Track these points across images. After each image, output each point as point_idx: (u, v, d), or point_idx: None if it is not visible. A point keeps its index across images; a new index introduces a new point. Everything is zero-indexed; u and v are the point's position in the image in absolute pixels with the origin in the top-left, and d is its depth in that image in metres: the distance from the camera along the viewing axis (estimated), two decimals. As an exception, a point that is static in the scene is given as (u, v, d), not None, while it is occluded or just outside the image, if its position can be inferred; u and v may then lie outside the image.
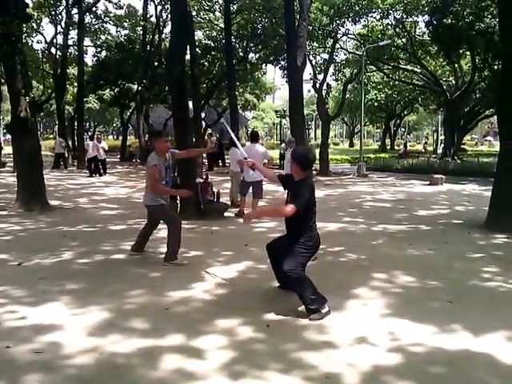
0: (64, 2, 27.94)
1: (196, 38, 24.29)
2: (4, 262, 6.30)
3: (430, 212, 10.78)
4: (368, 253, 6.83)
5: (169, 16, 28.10)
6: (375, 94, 41.17)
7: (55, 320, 4.31)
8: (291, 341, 3.90)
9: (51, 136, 54.70)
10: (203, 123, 29.13)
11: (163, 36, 29.50)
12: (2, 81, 25.03)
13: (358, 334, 4.03)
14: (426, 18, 23.20)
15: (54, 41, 29.83)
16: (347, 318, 4.39)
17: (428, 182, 17.02)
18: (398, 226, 9.05)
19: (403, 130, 75.21)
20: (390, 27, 27.08)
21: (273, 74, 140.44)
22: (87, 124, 52.38)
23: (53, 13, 28.76)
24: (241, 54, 27.21)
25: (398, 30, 26.83)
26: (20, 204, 10.57)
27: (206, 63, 27.66)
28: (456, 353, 3.72)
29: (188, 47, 16.62)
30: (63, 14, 28.57)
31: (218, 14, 28.63)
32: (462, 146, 37.50)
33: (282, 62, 25.64)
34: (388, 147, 51.12)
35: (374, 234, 8.24)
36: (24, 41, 21.57)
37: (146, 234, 6.65)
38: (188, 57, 17.90)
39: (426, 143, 37.70)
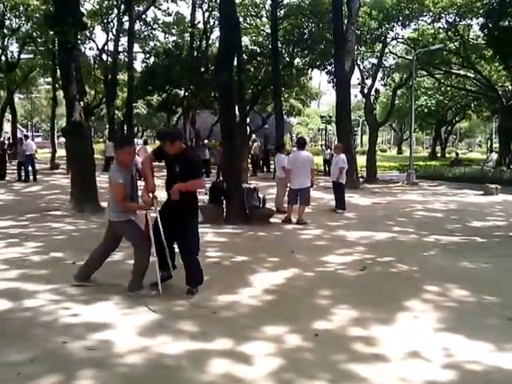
0: (115, 11, 28.77)
1: (242, 43, 24.43)
2: (59, 260, 6.54)
3: (485, 223, 10.39)
4: (419, 264, 6.63)
5: (215, 22, 28.50)
6: (425, 100, 40.32)
7: (106, 319, 4.41)
8: (340, 352, 3.82)
9: (101, 140, 56.23)
10: (248, 128, 29.25)
11: (210, 42, 29.88)
12: (57, 86, 26.06)
13: (409, 347, 3.90)
14: (481, 20, 22.29)
15: (106, 47, 30.72)
16: (398, 331, 4.26)
17: (482, 192, 16.40)
18: (450, 237, 8.74)
19: (454, 137, 73.39)
20: (441, 31, 26.35)
21: (318, 79, 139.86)
22: (135, 128, 53.54)
23: (105, 21, 29.63)
24: (287, 59, 27.19)
25: (450, 33, 26.02)
26: (73, 205, 10.88)
27: (251, 69, 27.78)
28: (516, 374, 3.53)
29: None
30: (114, 21, 29.43)
31: (264, 19, 28.76)
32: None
33: (329, 67, 25.47)
34: (438, 155, 49.95)
35: (426, 245, 8.01)
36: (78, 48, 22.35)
37: (103, 257, 5.47)
38: (235, 63, 18.02)
39: (457, 154, 36.27)
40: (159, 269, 5.12)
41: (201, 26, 30.21)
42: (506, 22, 19.19)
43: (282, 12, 25.47)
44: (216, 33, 30.51)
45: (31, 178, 18.26)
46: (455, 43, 26.75)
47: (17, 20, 27.75)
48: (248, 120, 28.85)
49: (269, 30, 25.47)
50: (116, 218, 5.17)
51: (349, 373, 3.49)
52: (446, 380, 3.41)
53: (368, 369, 3.55)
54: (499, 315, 4.66)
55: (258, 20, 29.23)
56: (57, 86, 26.21)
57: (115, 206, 5.12)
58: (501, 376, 3.48)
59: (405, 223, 10.27)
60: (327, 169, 24.13)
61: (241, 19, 25.35)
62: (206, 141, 25.09)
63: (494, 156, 29.25)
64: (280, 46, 24.96)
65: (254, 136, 30.87)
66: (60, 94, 24.96)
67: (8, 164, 20.95)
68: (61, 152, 28.38)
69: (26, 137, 20.32)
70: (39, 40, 27.42)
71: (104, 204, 11.73)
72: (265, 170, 26.11)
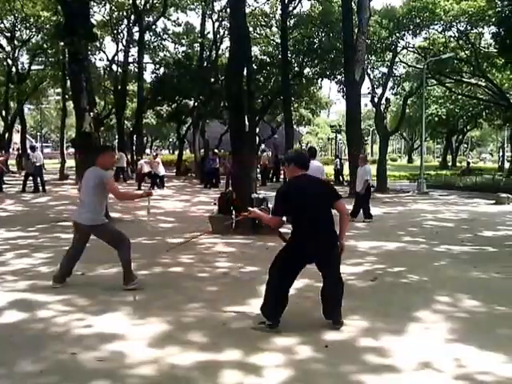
0: (125, 21, 29.10)
1: (252, 53, 24.54)
2: (68, 271, 6.47)
3: (497, 233, 10.31)
4: (430, 274, 6.58)
5: (225, 32, 28.67)
6: (436, 109, 40.13)
7: (117, 330, 4.41)
8: (351, 363, 3.79)
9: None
10: (257, 138, 29.28)
11: (220, 52, 30.06)
12: (67, 97, 26.32)
13: (421, 358, 3.87)
14: (493, 28, 22.05)
15: (115, 58, 31.01)
16: (409, 342, 4.23)
17: (493, 202, 16.28)
18: (461, 246, 8.69)
19: (465, 146, 72.89)
20: (452, 39, 26.23)
21: (328, 89, 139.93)
22: (145, 138, 53.76)
23: (115, 31, 29.93)
24: (296, 68, 27.27)
25: (461, 42, 25.91)
26: (83, 216, 10.83)
27: (261, 79, 27.88)
28: (530, 385, 3.48)
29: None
30: (124, 32, 29.81)
31: (274, 29, 28.91)
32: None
33: (339, 77, 25.52)
34: (449, 164, 49.63)
35: (437, 255, 7.94)
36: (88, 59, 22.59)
37: (74, 259, 5.88)
38: (244, 73, 18.08)
39: (468, 164, 36.03)
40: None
41: (210, 36, 30.46)
42: (518, 30, 19.05)
43: (292, 22, 25.60)
44: (226, 43, 30.76)
45: (40, 188, 18.23)
46: (466, 52, 26.58)
47: (27, 31, 28.11)
48: (257, 130, 28.94)
49: (279, 40, 25.60)
50: (100, 222, 5.65)
51: (360, 384, 3.45)
52: (458, 392, 3.36)
53: (379, 380, 3.52)
54: (511, 326, 4.61)
55: (268, 30, 29.41)
56: (66, 96, 26.45)
57: (98, 210, 5.68)
58: (514, 387, 3.44)
59: (415, 233, 10.21)
60: (337, 179, 24.38)
61: (251, 29, 25.48)
62: (216, 150, 25.13)
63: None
64: (290, 55, 25.05)
65: (263, 146, 30.91)
66: (70, 104, 25.21)
67: (17, 175, 20.99)
68: (70, 162, 28.46)
69: (34, 148, 20.06)
70: (49, 51, 27.72)
71: (114, 214, 11.81)
72: (274, 180, 26.09)
